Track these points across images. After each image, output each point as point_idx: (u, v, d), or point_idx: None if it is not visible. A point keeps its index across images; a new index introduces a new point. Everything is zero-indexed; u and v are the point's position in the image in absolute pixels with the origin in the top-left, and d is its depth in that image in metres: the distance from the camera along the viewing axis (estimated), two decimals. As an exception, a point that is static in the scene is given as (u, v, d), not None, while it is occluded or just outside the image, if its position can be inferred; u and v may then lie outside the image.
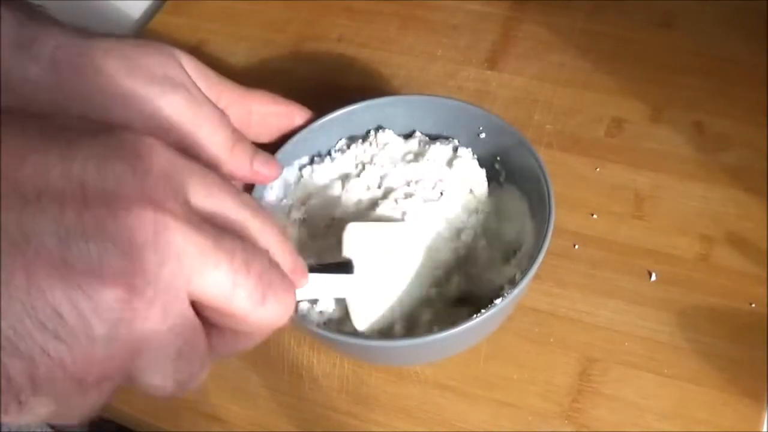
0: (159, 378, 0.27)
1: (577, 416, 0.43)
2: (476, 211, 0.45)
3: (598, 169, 0.52)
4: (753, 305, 0.46)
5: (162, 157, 0.26)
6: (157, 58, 0.39)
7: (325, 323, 0.42)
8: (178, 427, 0.46)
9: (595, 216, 0.50)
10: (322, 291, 0.39)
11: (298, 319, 0.39)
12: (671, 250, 0.48)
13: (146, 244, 0.24)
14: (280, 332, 0.48)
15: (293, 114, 0.46)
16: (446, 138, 0.48)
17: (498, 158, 0.47)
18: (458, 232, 0.44)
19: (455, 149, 0.47)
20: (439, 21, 0.62)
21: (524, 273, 0.39)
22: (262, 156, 0.43)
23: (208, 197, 0.27)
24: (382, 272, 0.41)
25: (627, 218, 0.50)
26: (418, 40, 0.61)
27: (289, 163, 0.47)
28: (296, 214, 0.46)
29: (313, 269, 0.35)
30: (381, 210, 0.44)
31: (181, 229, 0.25)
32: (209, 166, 0.29)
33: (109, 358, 0.24)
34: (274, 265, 0.29)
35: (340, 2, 0.65)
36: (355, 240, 0.41)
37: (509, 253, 0.45)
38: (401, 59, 0.60)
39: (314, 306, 0.42)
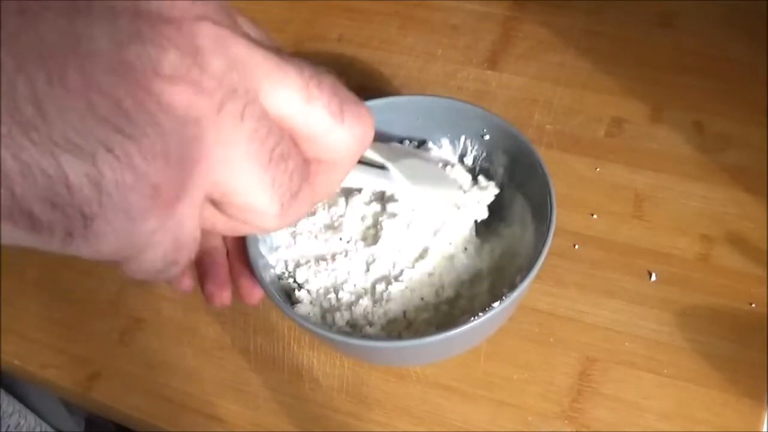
0: (257, 192, 0.25)
1: (577, 416, 0.43)
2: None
3: (598, 169, 0.52)
4: (753, 305, 0.46)
5: None
6: None
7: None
8: (178, 427, 0.46)
9: (595, 216, 0.50)
10: (369, 180, 0.40)
11: (299, 320, 0.39)
12: (671, 250, 0.48)
13: (209, 50, 0.23)
14: (280, 332, 0.48)
15: None
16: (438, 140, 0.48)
17: (500, 159, 0.47)
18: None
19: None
20: (439, 21, 0.62)
21: (525, 274, 0.39)
22: None
23: (254, 32, 0.27)
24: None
25: (627, 218, 0.50)
26: (418, 40, 0.61)
27: None
28: None
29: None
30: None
31: (243, 41, 0.24)
32: None
33: (183, 162, 0.22)
34: (342, 85, 0.27)
35: (340, 2, 0.65)
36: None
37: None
38: (401, 59, 0.60)
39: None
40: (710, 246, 0.48)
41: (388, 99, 0.48)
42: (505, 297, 0.38)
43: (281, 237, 0.44)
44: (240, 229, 0.27)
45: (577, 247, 0.49)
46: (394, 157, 0.41)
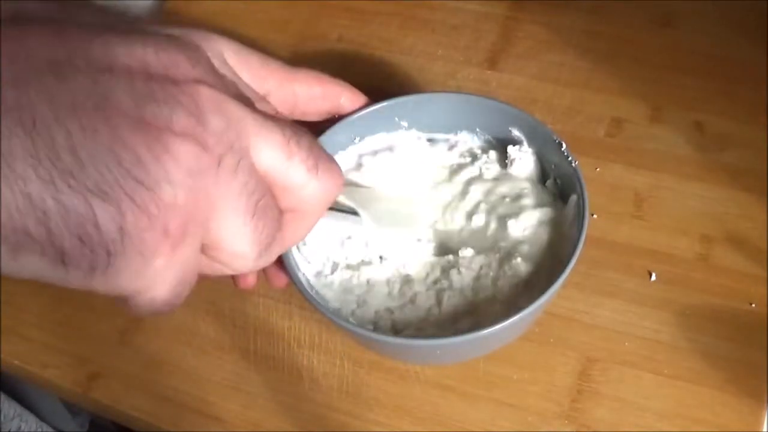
0: (239, 239, 0.29)
1: (577, 416, 0.43)
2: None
3: (598, 169, 0.52)
4: (753, 305, 0.46)
5: (206, 56, 0.30)
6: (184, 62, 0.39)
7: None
8: (178, 427, 0.46)
9: (595, 216, 0.50)
10: (340, 225, 0.43)
11: (330, 313, 0.40)
12: (671, 250, 0.48)
13: (210, 110, 0.27)
14: (280, 332, 0.48)
15: (339, 94, 0.46)
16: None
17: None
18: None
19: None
20: (439, 21, 0.62)
21: (555, 278, 0.39)
22: None
23: (242, 91, 0.31)
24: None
25: (627, 218, 0.50)
26: (418, 40, 0.61)
27: (333, 150, 0.47)
28: None
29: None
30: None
31: (237, 104, 0.28)
32: None
33: (188, 209, 0.26)
34: (317, 143, 0.32)
35: (340, 2, 0.65)
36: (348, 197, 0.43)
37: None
38: (401, 59, 0.60)
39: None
40: (710, 246, 0.48)
41: (438, 94, 0.49)
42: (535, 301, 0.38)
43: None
44: (217, 270, 0.31)
45: (577, 247, 0.49)
46: (364, 202, 0.43)
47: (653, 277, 0.47)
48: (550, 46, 0.59)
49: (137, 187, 0.25)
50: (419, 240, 0.45)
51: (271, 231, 0.30)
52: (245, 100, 0.30)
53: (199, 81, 0.27)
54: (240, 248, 0.29)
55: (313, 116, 0.46)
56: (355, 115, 0.46)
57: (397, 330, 0.42)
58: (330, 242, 0.45)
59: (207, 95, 0.27)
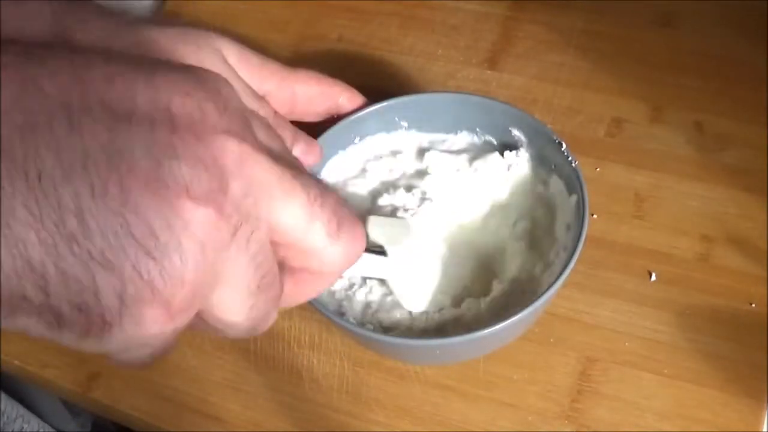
0: (236, 312, 0.27)
1: (577, 416, 0.43)
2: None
3: (598, 169, 0.52)
4: (753, 305, 0.46)
5: (235, 95, 0.26)
6: (195, 53, 0.38)
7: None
8: (178, 427, 0.46)
9: (595, 216, 0.50)
10: (365, 269, 0.40)
11: (338, 319, 0.40)
12: (671, 250, 0.48)
13: (232, 172, 0.24)
14: (280, 332, 0.48)
15: (338, 94, 0.46)
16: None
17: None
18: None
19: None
20: (439, 21, 0.62)
21: (556, 278, 0.39)
22: (302, 143, 0.44)
23: (268, 138, 0.28)
24: (416, 256, 0.43)
25: (627, 218, 0.50)
26: (418, 40, 0.61)
27: (333, 151, 0.47)
28: None
29: None
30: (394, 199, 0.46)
31: (261, 160, 0.25)
32: None
33: (195, 283, 0.24)
34: (343, 203, 0.30)
35: (340, 2, 0.65)
36: (378, 231, 0.42)
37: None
38: (401, 59, 0.60)
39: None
40: (710, 246, 0.48)
41: (437, 94, 0.49)
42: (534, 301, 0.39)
43: None
44: (205, 331, 0.29)
45: (577, 247, 0.49)
46: (395, 239, 0.42)
47: (653, 277, 0.47)
48: (550, 46, 0.59)
49: (144, 259, 0.22)
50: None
51: (270, 307, 0.28)
52: (274, 143, 0.28)
53: (225, 132, 0.25)
54: (236, 320, 0.27)
55: (312, 116, 0.46)
56: (355, 115, 0.46)
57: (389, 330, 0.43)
58: None
59: (233, 153, 0.24)
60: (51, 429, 0.69)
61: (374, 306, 0.43)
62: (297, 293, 0.31)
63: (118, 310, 0.23)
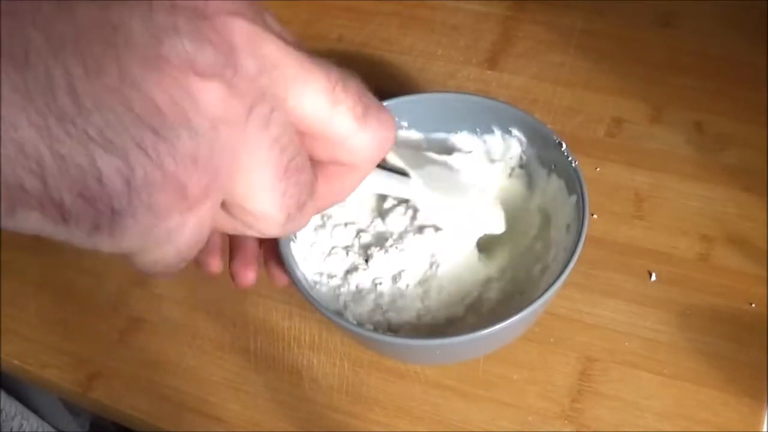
0: (265, 200, 0.25)
1: (577, 416, 0.43)
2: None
3: (598, 169, 0.52)
4: (753, 305, 0.46)
5: None
6: None
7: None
8: (177, 426, 0.46)
9: (595, 216, 0.50)
10: (390, 187, 0.40)
11: (338, 320, 0.39)
12: (671, 250, 0.48)
13: (242, 49, 0.23)
14: (280, 332, 0.48)
15: None
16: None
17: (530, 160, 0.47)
18: None
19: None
20: (439, 21, 0.62)
21: (555, 279, 0.39)
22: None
23: (283, 32, 0.26)
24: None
25: (627, 218, 0.50)
26: (418, 40, 0.61)
27: None
28: None
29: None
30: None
31: (274, 40, 0.24)
32: None
33: (211, 164, 0.22)
34: (367, 90, 0.28)
35: (340, 2, 0.65)
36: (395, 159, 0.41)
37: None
38: (401, 59, 0.60)
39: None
40: (710, 246, 0.48)
41: (429, 95, 0.49)
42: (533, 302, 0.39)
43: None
44: (242, 232, 0.27)
45: (577, 247, 0.49)
46: (417, 164, 0.41)
47: (653, 277, 0.47)
48: (550, 46, 0.59)
49: (150, 137, 0.21)
50: (472, 214, 0.44)
51: (303, 195, 0.26)
52: (286, 39, 0.25)
53: (234, 13, 0.23)
54: (267, 209, 0.25)
55: None
56: None
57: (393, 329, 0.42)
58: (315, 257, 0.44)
59: (241, 30, 0.23)
60: (50, 427, 0.69)
61: (384, 306, 0.43)
62: (330, 191, 0.29)
63: (126, 197, 0.21)
